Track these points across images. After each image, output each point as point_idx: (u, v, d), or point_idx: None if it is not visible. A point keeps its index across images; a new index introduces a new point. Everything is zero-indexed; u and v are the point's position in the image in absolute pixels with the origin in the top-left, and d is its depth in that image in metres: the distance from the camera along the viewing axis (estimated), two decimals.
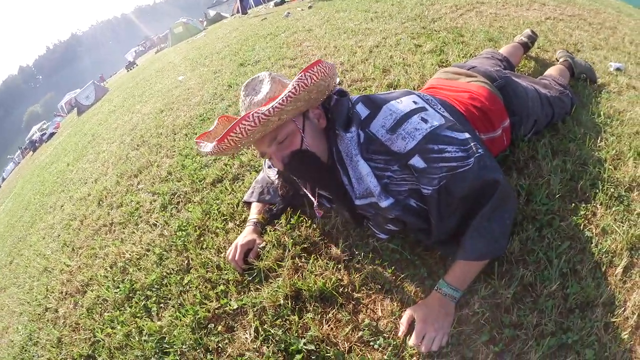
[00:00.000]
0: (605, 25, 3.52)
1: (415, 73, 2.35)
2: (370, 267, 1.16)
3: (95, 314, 1.46)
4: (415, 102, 1.06)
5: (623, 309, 0.92)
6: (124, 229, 1.96)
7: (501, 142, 1.34)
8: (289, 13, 6.57)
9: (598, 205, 1.19)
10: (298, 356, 0.99)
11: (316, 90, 0.98)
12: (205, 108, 3.11)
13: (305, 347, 1.00)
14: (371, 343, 0.98)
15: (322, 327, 1.05)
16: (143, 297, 1.39)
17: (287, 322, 1.09)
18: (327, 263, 1.22)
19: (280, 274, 1.23)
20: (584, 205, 1.21)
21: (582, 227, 1.14)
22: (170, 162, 2.40)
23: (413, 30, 3.41)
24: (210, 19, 18.58)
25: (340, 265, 1.20)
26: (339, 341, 1.00)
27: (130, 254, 1.67)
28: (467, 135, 1.01)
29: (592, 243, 1.08)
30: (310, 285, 1.14)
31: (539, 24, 3.24)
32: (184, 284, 1.36)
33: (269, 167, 1.45)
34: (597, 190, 1.23)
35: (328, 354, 0.98)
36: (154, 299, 1.37)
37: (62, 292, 1.74)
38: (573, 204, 1.22)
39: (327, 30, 4.19)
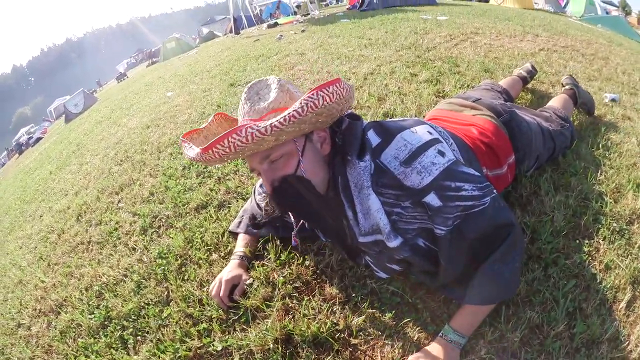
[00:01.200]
0: (597, 56, 3.66)
1: (412, 102, 2.39)
2: (369, 310, 1.11)
3: (69, 338, 1.39)
4: (430, 133, 1.01)
5: (627, 342, 0.92)
6: (101, 249, 1.90)
7: (506, 179, 1.32)
8: (281, 36, 6.69)
9: (601, 241, 1.19)
10: None
11: (326, 114, 0.89)
12: (192, 127, 3.08)
13: None
14: None
15: None
16: (119, 327, 1.34)
17: None
18: (321, 305, 1.16)
19: (269, 314, 1.16)
20: (587, 241, 1.20)
21: (586, 264, 1.13)
22: (153, 181, 2.34)
23: (408, 59, 3.48)
24: (203, 36, 18.83)
25: (335, 308, 1.14)
26: None
27: (107, 278, 1.61)
28: (480, 173, 0.99)
29: (596, 280, 1.07)
30: (302, 329, 1.08)
31: (534, 55, 3.36)
32: (163, 317, 1.30)
33: (259, 193, 1.39)
34: (600, 226, 1.23)
35: None
36: (130, 330, 1.31)
37: (35, 310, 1.67)
38: (577, 241, 1.21)
39: (320, 55, 4.28)
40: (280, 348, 1.06)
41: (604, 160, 1.55)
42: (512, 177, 1.37)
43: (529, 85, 2.44)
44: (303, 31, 6.80)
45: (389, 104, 2.43)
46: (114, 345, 1.28)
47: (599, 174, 1.47)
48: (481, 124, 1.31)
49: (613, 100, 2.31)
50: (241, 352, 1.09)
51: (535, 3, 13.37)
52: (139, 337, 1.28)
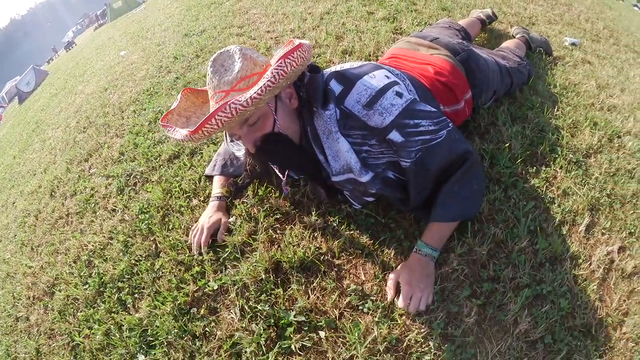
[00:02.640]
0: (560, 2, 3.85)
1: (370, 40, 2.41)
2: (347, 233, 1.23)
3: (69, 315, 1.40)
4: (387, 77, 1.10)
5: (589, 263, 1.08)
6: (81, 218, 1.89)
7: (464, 113, 1.45)
8: None
9: (558, 169, 1.35)
10: (289, 329, 1.03)
11: (294, 76, 0.99)
12: (152, 82, 3.06)
13: (295, 319, 1.04)
14: (360, 307, 1.04)
15: (308, 297, 1.09)
16: (115, 290, 1.37)
17: (272, 296, 1.12)
18: (302, 232, 1.26)
19: (256, 247, 1.24)
20: (544, 169, 1.36)
21: (544, 189, 1.29)
22: (121, 141, 2.34)
23: None
24: None
25: (316, 234, 1.25)
26: (328, 309, 1.06)
27: (93, 245, 1.62)
28: (436, 109, 1.10)
29: (554, 204, 1.23)
30: (289, 256, 1.17)
31: None
32: (155, 269, 1.34)
33: (232, 140, 1.44)
34: (557, 156, 1.39)
35: (319, 323, 1.03)
36: (126, 290, 1.35)
37: (29, 298, 1.64)
38: (534, 168, 1.36)
39: None
40: (272, 277, 1.16)
41: (561, 98, 1.72)
42: (470, 111, 1.51)
43: (487, 27, 2.55)
44: None
45: (347, 42, 2.45)
46: (113, 309, 1.31)
47: (555, 109, 1.63)
48: (438, 63, 1.41)
49: (573, 44, 2.47)
50: (236, 287, 1.17)
51: None
52: (136, 295, 1.32)
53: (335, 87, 1.07)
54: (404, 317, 1.00)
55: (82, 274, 1.52)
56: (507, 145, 1.43)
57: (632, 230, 1.17)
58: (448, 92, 1.35)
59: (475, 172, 1.12)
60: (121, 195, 1.83)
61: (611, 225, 1.18)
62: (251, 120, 1.01)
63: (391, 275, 1.07)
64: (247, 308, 1.11)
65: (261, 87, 0.90)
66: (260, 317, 1.08)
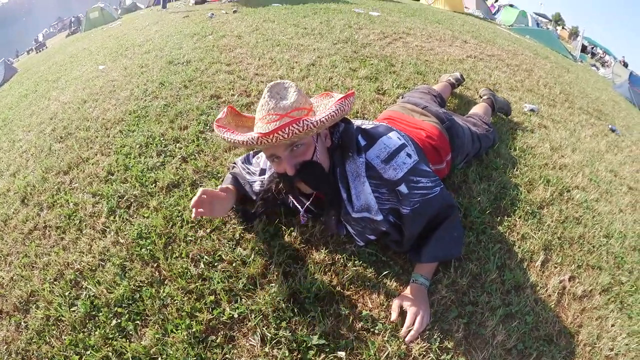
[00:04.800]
0: (522, 68, 4.57)
1: (356, 97, 2.86)
2: (353, 268, 1.53)
3: (51, 337, 1.39)
4: (399, 139, 1.47)
5: (546, 289, 1.51)
6: (63, 234, 1.89)
7: (444, 171, 1.90)
8: (212, 14, 6.94)
9: (517, 219, 1.80)
10: (311, 352, 1.25)
11: (340, 117, 1.26)
12: (138, 105, 3.13)
13: (317, 342, 1.28)
14: (372, 329, 1.34)
15: (325, 323, 1.35)
16: (111, 315, 1.41)
17: (292, 323, 1.35)
18: (314, 267, 1.54)
19: (272, 279, 1.50)
20: (507, 218, 1.80)
21: (507, 234, 1.72)
22: (109, 160, 2.39)
23: (345, 54, 4.00)
24: (125, 7, 20.40)
25: (326, 269, 1.54)
26: (344, 332, 1.33)
27: (80, 265, 1.66)
28: (431, 169, 1.50)
29: (516, 245, 1.67)
30: (307, 287, 1.45)
31: (462, 62, 4.11)
32: (161, 297, 1.44)
33: (246, 168, 1.71)
34: (516, 208, 1.85)
35: (339, 345, 1.29)
36: (127, 316, 1.40)
37: None
38: (499, 218, 1.80)
39: (258, 40, 4.58)
40: (291, 306, 1.40)
41: (520, 160, 2.23)
42: (448, 171, 1.96)
43: (457, 91, 3.12)
44: (235, 12, 7.10)
45: None
46: (110, 335, 1.34)
47: (515, 170, 2.12)
48: (429, 129, 1.85)
49: (532, 110, 3.07)
50: (254, 315, 1.36)
51: (466, 7, 14.80)
52: (138, 322, 1.38)
53: (361, 141, 1.42)
54: (407, 336, 1.31)
55: (67, 294, 1.53)
56: (477, 199, 1.88)
57: (580, 264, 1.65)
58: (435, 153, 1.78)
59: (457, 222, 1.51)
60: (113, 217, 1.89)
61: (562, 261, 1.64)
62: (299, 145, 1.27)
63: (395, 301, 1.39)
64: (268, 335, 1.29)
65: (327, 115, 1.18)
66: (283, 343, 1.27)
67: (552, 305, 1.46)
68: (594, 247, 1.80)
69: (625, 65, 22.36)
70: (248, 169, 1.74)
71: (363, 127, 1.49)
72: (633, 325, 1.47)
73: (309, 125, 1.16)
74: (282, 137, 1.16)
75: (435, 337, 1.30)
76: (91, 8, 17.69)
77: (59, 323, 1.44)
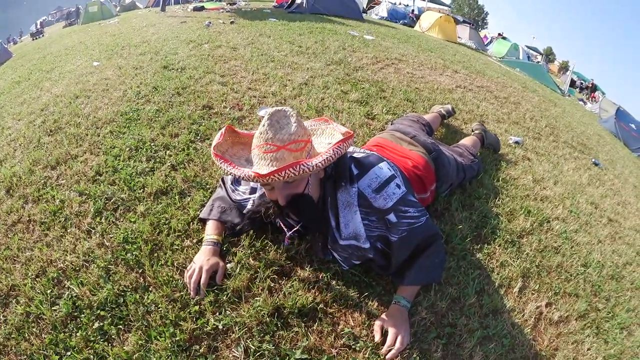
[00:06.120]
0: (510, 100, 4.79)
1: (346, 120, 2.98)
2: (337, 287, 1.60)
3: (30, 334, 1.39)
4: (389, 169, 1.58)
5: (522, 314, 1.61)
6: (47, 230, 1.89)
7: (428, 200, 2.01)
8: (210, 23, 7.13)
9: (497, 247, 1.91)
10: None
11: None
12: (131, 107, 3.16)
13: (300, 357, 1.34)
14: (353, 346, 1.40)
15: (309, 339, 1.41)
16: (94, 318, 1.42)
17: (276, 337, 1.41)
18: (298, 284, 1.60)
19: (257, 293, 1.55)
20: (486, 246, 1.91)
21: (486, 261, 1.83)
22: (97, 160, 2.41)
23: (338, 75, 4.14)
24: (124, 5, 20.87)
25: (310, 286, 1.60)
26: (326, 348, 1.40)
27: (63, 264, 1.66)
28: (417, 200, 1.60)
29: (494, 272, 1.77)
30: (291, 302, 1.50)
31: (451, 92, 4.30)
32: (145, 303, 1.46)
33: (233, 190, 1.77)
34: (496, 236, 1.96)
35: None
36: (109, 320, 1.42)
37: None
38: (479, 245, 1.91)
39: (253, 54, 4.70)
40: (275, 320, 1.46)
41: (502, 190, 2.37)
42: (432, 199, 2.07)
43: (445, 121, 3.25)
44: (232, 22, 7.31)
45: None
46: (92, 338, 1.36)
47: (497, 200, 2.25)
48: (415, 159, 1.96)
49: (517, 142, 3.26)
50: (238, 328, 1.40)
51: (459, 37, 15.33)
52: (120, 327, 1.40)
53: (353, 170, 1.52)
54: (389, 355, 1.38)
55: (48, 292, 1.54)
56: (458, 227, 1.99)
57: (557, 291, 1.77)
58: (420, 183, 1.89)
59: (440, 249, 1.61)
60: (99, 218, 1.91)
61: (539, 288, 1.76)
62: (293, 180, 1.33)
63: (377, 322, 1.46)
64: (252, 347, 1.34)
65: (323, 160, 1.26)
66: (266, 356, 1.33)
67: (529, 330, 1.56)
68: (571, 275, 1.92)
69: (595, 88, 22.22)
70: (237, 189, 1.80)
71: (355, 155, 1.60)
72: (609, 350, 1.59)
73: (304, 169, 1.24)
74: (278, 178, 1.25)
75: (414, 356, 1.38)
76: (91, 2, 17.95)
77: (39, 321, 1.45)
